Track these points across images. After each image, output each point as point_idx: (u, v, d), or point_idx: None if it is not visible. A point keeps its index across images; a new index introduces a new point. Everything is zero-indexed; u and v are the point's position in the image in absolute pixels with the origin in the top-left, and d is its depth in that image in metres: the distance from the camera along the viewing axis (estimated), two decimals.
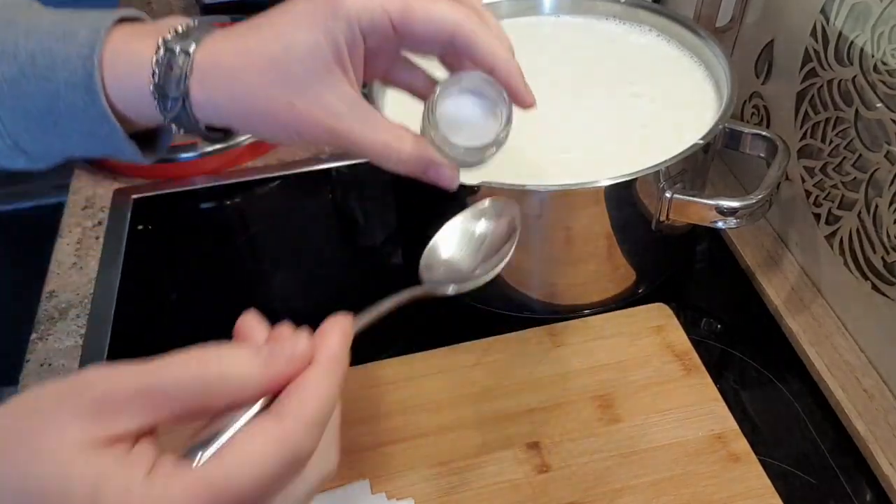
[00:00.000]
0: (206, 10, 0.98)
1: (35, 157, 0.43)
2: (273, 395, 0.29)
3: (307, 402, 0.29)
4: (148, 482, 0.26)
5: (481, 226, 0.45)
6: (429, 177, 0.41)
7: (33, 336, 0.61)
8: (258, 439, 0.27)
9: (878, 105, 0.49)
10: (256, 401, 0.29)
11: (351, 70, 0.39)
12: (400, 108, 0.59)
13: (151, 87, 0.39)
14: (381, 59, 0.42)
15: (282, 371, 0.29)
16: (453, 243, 0.45)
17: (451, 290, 0.41)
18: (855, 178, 0.52)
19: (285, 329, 0.31)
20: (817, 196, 0.57)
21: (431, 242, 0.44)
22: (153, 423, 0.27)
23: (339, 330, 0.31)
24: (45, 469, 0.26)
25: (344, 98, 0.39)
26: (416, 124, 0.42)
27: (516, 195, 0.51)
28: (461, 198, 0.53)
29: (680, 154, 0.52)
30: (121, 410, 0.27)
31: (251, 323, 0.32)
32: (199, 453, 0.27)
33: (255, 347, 0.30)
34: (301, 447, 0.28)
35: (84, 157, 0.45)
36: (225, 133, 0.42)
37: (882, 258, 0.51)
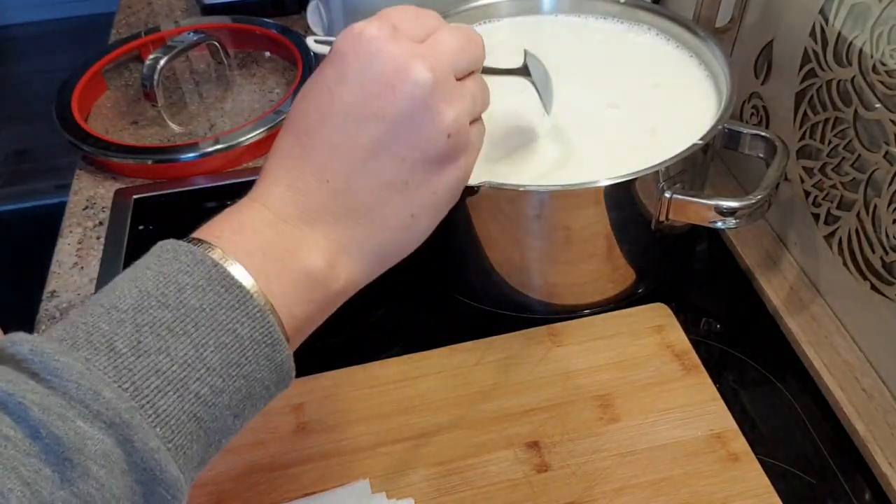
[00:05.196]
0: (207, 11, 0.98)
1: None
2: None
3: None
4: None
5: None
6: None
7: None
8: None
9: (877, 105, 0.49)
10: None
11: None
12: None
13: None
14: None
15: None
16: None
17: None
18: (854, 178, 0.52)
19: None
20: (816, 196, 0.57)
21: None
22: None
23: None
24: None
25: None
26: None
27: (516, 195, 0.52)
28: (461, 198, 0.53)
29: (679, 154, 0.52)
30: None
31: None
32: None
33: None
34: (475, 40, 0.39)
35: None
36: None
37: (881, 258, 0.51)
